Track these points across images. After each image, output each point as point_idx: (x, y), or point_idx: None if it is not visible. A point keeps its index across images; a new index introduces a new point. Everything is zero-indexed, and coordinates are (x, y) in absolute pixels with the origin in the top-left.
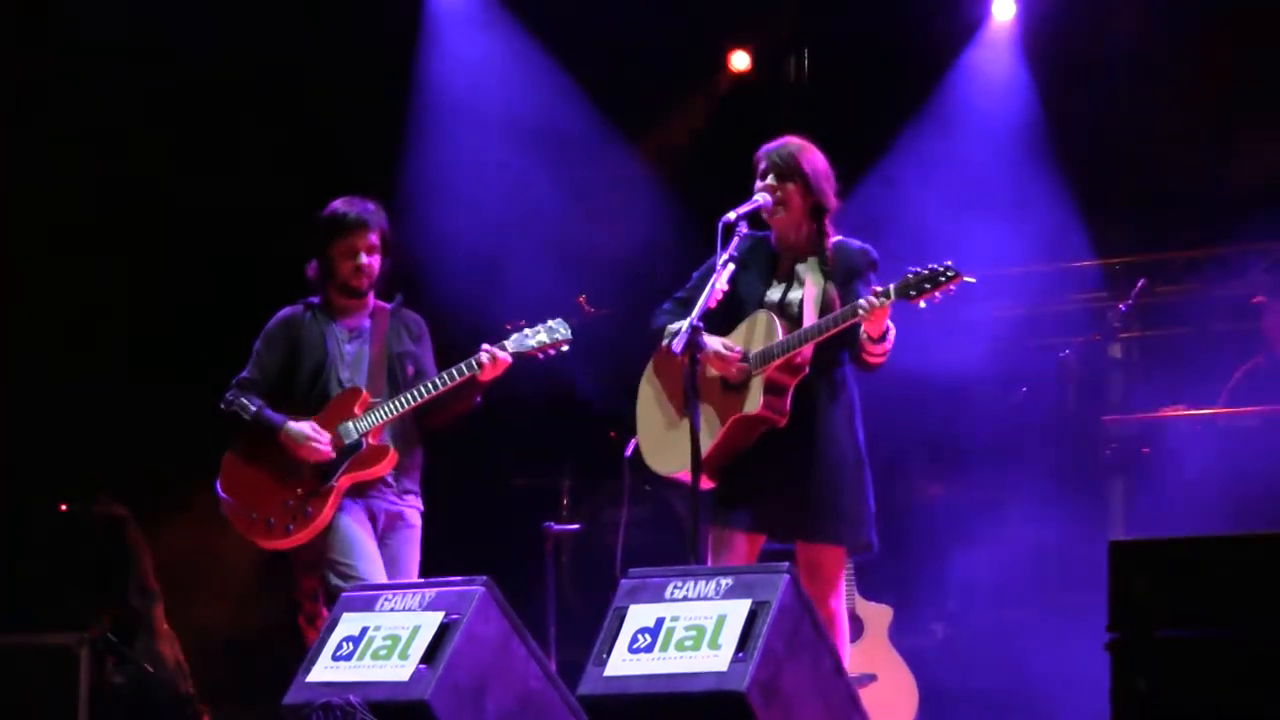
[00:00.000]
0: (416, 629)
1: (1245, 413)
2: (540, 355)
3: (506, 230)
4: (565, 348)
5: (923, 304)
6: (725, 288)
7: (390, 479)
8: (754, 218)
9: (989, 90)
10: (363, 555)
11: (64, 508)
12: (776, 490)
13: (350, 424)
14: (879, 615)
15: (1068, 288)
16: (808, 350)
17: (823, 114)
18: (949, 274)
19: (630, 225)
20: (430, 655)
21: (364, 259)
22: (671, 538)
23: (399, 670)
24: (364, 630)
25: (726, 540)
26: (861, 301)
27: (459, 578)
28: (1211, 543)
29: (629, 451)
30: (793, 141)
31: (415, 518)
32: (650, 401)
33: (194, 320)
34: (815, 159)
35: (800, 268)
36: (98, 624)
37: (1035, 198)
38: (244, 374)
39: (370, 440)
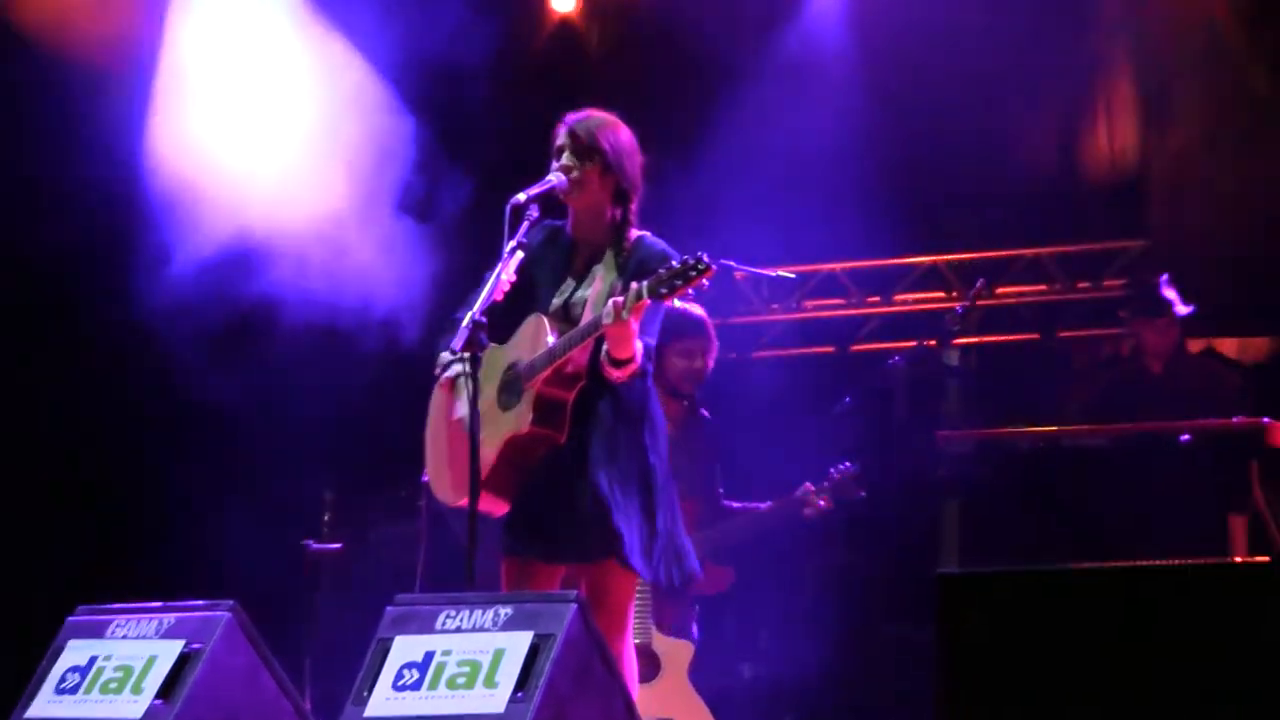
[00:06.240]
0: (152, 659)
1: (1094, 432)
2: None
3: None
4: None
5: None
6: (512, 278)
7: None
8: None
9: (816, 69)
10: None
11: None
12: (553, 510)
13: None
14: (678, 652)
15: (896, 287)
16: (580, 357)
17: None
18: (699, 267)
19: None
20: (168, 689)
21: None
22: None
23: (131, 706)
24: (92, 660)
25: (516, 570)
26: (612, 301)
27: (202, 601)
28: (1054, 576)
29: (426, 476)
30: (594, 115)
31: None
32: (437, 417)
33: None
34: (619, 136)
35: (597, 264)
36: None
37: (862, 188)
38: None
39: None
